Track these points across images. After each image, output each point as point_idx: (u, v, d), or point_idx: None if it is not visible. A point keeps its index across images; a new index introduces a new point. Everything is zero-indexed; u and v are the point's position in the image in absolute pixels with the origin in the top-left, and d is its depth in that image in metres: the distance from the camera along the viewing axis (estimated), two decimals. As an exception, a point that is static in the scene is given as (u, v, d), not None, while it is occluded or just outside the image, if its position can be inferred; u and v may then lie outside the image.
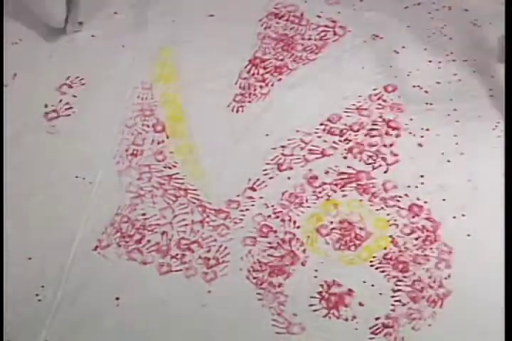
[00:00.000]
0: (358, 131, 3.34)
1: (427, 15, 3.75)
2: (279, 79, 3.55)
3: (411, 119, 3.36)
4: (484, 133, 3.29)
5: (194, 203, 3.17)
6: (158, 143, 3.37)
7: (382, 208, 3.11)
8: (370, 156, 3.25)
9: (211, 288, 2.93)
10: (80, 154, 3.33)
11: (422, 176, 3.18)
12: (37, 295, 2.96)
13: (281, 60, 3.63)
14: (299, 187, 3.18)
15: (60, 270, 3.00)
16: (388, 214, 3.09)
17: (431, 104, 3.41)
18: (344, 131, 3.34)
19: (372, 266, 2.96)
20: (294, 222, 3.09)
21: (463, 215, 3.06)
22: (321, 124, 3.37)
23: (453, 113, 3.37)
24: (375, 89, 3.47)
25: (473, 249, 2.96)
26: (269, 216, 3.11)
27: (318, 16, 3.78)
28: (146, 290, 2.95)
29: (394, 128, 3.33)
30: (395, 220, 3.07)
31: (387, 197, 3.13)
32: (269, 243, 3.04)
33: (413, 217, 3.07)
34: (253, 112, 3.44)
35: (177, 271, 3.00)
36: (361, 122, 3.37)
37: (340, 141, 3.32)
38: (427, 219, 3.06)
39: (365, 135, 3.32)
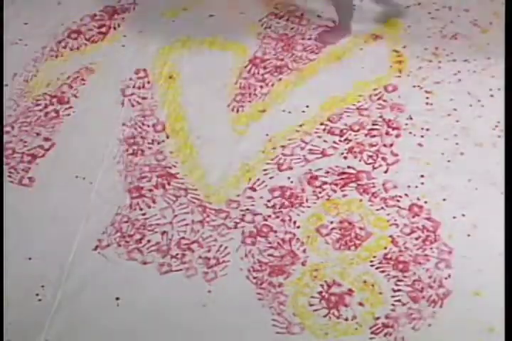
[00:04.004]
0: (358, 131, 3.34)
1: (427, 15, 3.75)
2: (280, 79, 3.55)
3: (411, 119, 3.36)
4: (484, 133, 3.29)
5: (194, 203, 3.17)
6: (158, 143, 3.37)
7: (382, 208, 3.10)
8: (371, 156, 3.25)
9: (211, 288, 2.93)
10: (80, 154, 3.34)
11: (422, 176, 3.18)
12: (37, 295, 2.96)
13: (282, 59, 3.63)
14: (299, 187, 3.18)
15: (60, 270, 3.01)
16: (388, 214, 3.09)
17: (431, 104, 3.41)
18: (344, 131, 3.34)
19: (372, 266, 2.96)
20: (294, 222, 3.09)
21: (463, 215, 3.06)
22: (321, 124, 3.37)
23: (453, 113, 3.37)
24: (375, 89, 3.47)
25: (473, 249, 2.97)
26: (269, 216, 3.11)
27: (318, 16, 3.79)
28: (146, 290, 2.95)
29: (394, 128, 3.33)
30: (395, 220, 3.07)
31: (387, 197, 3.13)
32: (269, 243, 3.04)
33: (413, 216, 3.07)
34: (253, 112, 3.44)
35: (177, 270, 3.00)
36: (361, 122, 3.36)
37: (340, 140, 3.31)
38: (427, 219, 3.06)
39: (366, 135, 3.32)
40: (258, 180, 3.21)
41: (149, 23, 3.80)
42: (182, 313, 2.87)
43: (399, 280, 2.92)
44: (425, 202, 3.10)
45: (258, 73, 3.58)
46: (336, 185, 3.17)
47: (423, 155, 3.24)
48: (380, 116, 3.37)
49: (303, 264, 2.97)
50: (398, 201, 3.11)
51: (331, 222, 3.07)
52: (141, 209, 3.15)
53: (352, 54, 3.62)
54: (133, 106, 3.48)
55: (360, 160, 3.25)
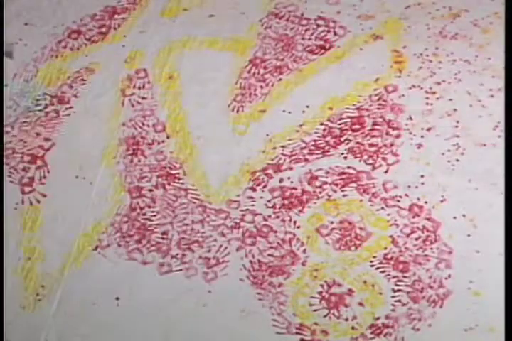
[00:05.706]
0: (358, 131, 3.34)
1: (427, 15, 3.75)
2: (280, 79, 3.55)
3: (411, 119, 3.36)
4: (484, 133, 3.29)
5: (194, 203, 3.17)
6: (159, 143, 3.37)
7: (382, 208, 3.11)
8: (371, 156, 3.26)
9: (211, 288, 2.94)
10: (80, 154, 3.34)
11: (422, 176, 3.18)
12: (37, 294, 2.96)
13: (282, 60, 3.63)
14: (299, 187, 3.18)
15: (60, 270, 3.01)
16: (388, 214, 3.09)
17: (431, 104, 3.41)
18: (344, 131, 3.34)
19: (372, 266, 2.96)
20: (294, 222, 3.09)
21: (463, 215, 3.06)
22: (321, 124, 3.38)
23: (453, 113, 3.37)
24: (375, 90, 3.47)
25: (473, 249, 2.97)
26: (269, 216, 3.11)
27: (319, 16, 3.79)
28: (146, 290, 2.95)
29: (394, 129, 3.34)
30: (395, 220, 3.07)
31: (388, 197, 3.13)
32: (269, 243, 3.04)
33: (413, 217, 3.07)
34: (253, 112, 3.44)
35: (177, 270, 3.01)
36: (361, 122, 3.37)
37: (340, 141, 3.32)
38: (428, 219, 3.06)
39: (366, 135, 3.33)
40: (258, 180, 3.21)
41: (149, 23, 3.81)
42: (182, 313, 2.88)
43: (399, 281, 2.92)
44: (425, 202, 3.10)
45: (258, 73, 3.58)
46: (336, 185, 3.18)
47: (423, 155, 3.24)
48: (381, 117, 3.38)
49: (303, 264, 2.97)
50: (398, 201, 3.11)
51: (331, 222, 3.08)
52: (141, 209, 3.15)
53: (352, 54, 3.62)
54: (133, 106, 3.49)
55: (360, 161, 3.25)
